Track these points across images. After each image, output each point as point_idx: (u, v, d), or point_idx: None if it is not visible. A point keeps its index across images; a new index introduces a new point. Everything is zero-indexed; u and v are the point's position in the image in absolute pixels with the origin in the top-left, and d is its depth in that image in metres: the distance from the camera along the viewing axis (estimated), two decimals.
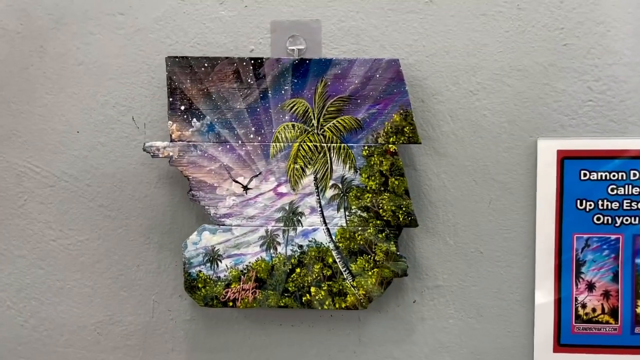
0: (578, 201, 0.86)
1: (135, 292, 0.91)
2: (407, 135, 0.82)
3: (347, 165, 0.82)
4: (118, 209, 0.90)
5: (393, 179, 0.82)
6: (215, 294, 0.84)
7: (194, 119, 0.82)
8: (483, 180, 0.88)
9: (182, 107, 0.81)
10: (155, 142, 0.82)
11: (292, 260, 0.84)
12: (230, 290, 0.84)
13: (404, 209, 0.83)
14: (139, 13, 0.88)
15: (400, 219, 0.83)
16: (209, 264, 0.84)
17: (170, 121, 0.82)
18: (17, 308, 0.92)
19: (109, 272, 0.91)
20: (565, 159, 0.86)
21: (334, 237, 0.84)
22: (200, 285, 0.84)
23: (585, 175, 0.86)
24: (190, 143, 0.82)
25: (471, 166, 0.87)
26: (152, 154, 0.82)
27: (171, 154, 0.82)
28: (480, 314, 0.90)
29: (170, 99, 0.81)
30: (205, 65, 0.81)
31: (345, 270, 0.84)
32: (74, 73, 0.89)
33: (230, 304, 0.84)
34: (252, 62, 0.81)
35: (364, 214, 0.83)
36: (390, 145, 0.82)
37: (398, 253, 0.84)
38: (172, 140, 0.82)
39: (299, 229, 0.84)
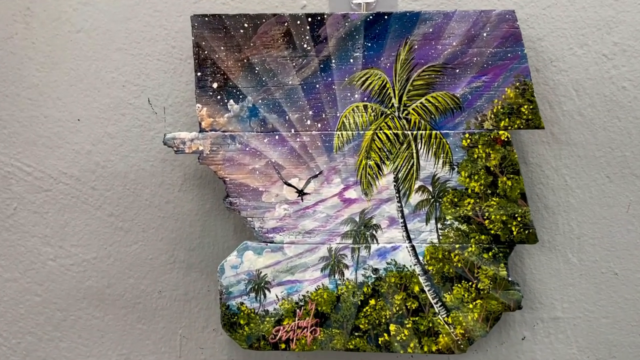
0: None
1: (157, 325, 0.71)
2: (525, 117, 0.59)
3: (441, 161, 0.60)
4: (132, 218, 0.70)
5: (504, 179, 0.60)
6: (263, 333, 0.63)
7: (231, 101, 0.60)
8: (620, 177, 0.64)
9: (215, 85, 0.60)
10: (180, 133, 0.60)
11: (365, 289, 0.62)
12: (282, 328, 0.63)
13: (519, 219, 0.60)
14: None
15: (514, 233, 0.60)
16: (253, 294, 0.62)
17: (199, 104, 0.60)
18: (9, 345, 0.72)
19: (123, 299, 0.71)
20: None
21: (421, 258, 0.61)
22: (242, 322, 0.63)
23: None
24: (226, 133, 0.60)
25: (604, 158, 0.64)
26: (175, 149, 0.60)
27: (201, 148, 0.60)
28: (613, 355, 0.67)
29: (199, 74, 0.59)
30: (245, 26, 0.58)
31: (437, 303, 0.62)
32: (71, 43, 0.68)
33: (283, 346, 0.63)
34: (309, 20, 0.58)
35: (464, 227, 0.61)
36: (501, 132, 0.59)
37: (510, 279, 0.61)
38: (201, 130, 0.60)
39: (374, 247, 0.62)
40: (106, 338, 0.72)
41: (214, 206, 0.68)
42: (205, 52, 0.59)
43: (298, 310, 0.63)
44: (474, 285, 0.61)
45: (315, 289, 0.62)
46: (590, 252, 0.66)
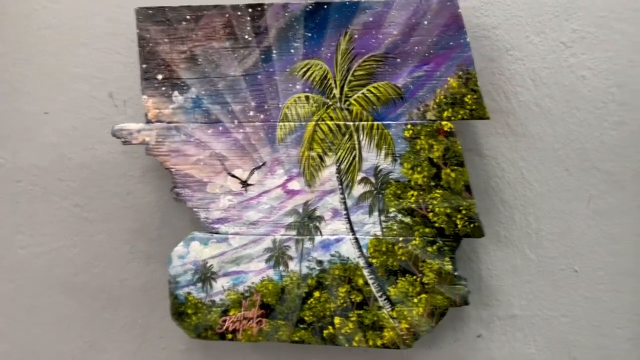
0: None
1: (119, 313, 0.73)
2: (468, 107, 0.57)
3: (383, 152, 0.59)
4: (96, 209, 0.72)
5: (448, 170, 0.58)
6: (210, 324, 0.63)
7: (176, 92, 0.61)
8: (580, 170, 0.62)
9: (160, 76, 0.61)
10: (127, 124, 0.62)
11: (309, 281, 0.62)
12: (228, 318, 0.63)
13: (463, 211, 0.59)
14: None
15: (459, 226, 0.59)
16: (200, 284, 0.63)
17: (146, 95, 0.61)
18: None
19: (89, 288, 0.73)
20: None
21: (365, 251, 0.61)
22: (190, 312, 0.64)
23: None
24: (171, 124, 0.61)
25: (563, 150, 0.62)
26: (123, 140, 0.62)
27: (147, 139, 0.61)
28: (574, 356, 0.65)
29: (144, 66, 0.61)
30: (187, 17, 0.59)
31: (381, 296, 0.61)
32: (41, 39, 0.70)
33: (230, 336, 0.63)
34: (250, 11, 0.59)
35: (407, 219, 0.60)
36: (444, 123, 0.58)
37: (456, 273, 0.60)
38: (148, 122, 0.61)
39: (318, 238, 0.61)
40: (73, 325, 0.74)
41: (171, 198, 0.69)
42: (150, 45, 0.60)
43: (244, 301, 0.63)
44: (418, 280, 0.60)
45: (260, 280, 0.63)
46: (548, 248, 0.63)
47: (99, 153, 0.71)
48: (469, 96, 0.57)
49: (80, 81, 0.70)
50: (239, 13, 0.58)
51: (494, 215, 0.64)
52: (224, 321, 0.63)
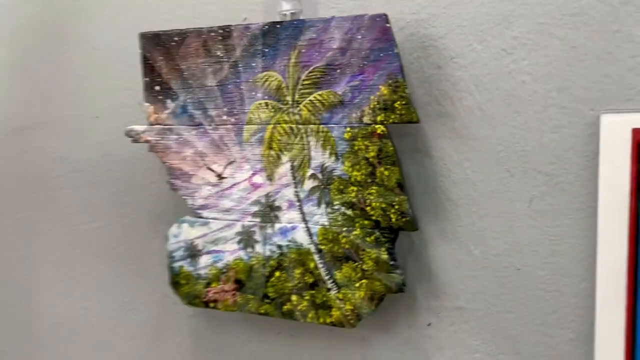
0: None
1: (146, 280, 0.88)
2: (398, 112, 0.63)
3: (327, 152, 0.67)
4: (130, 195, 0.88)
5: (382, 169, 0.65)
6: (197, 293, 0.76)
7: (169, 100, 0.74)
8: (521, 172, 0.64)
9: (157, 88, 0.74)
10: (135, 126, 0.77)
11: (271, 262, 0.72)
12: (211, 289, 0.75)
13: (396, 207, 0.65)
14: None
15: (393, 220, 0.65)
16: (189, 259, 0.76)
17: (147, 103, 0.75)
18: (58, 287, 0.96)
19: (123, 259, 0.90)
20: None
21: (315, 238, 0.69)
22: (182, 282, 0.77)
23: None
24: (166, 127, 0.75)
25: (504, 152, 0.65)
26: (132, 139, 0.77)
27: (149, 138, 0.76)
28: (517, 351, 0.67)
29: (146, 79, 0.75)
30: (175, 39, 0.72)
31: (329, 279, 0.69)
32: (92, 58, 0.88)
33: (212, 305, 0.76)
34: (221, 32, 0.70)
35: (349, 212, 0.67)
36: (377, 126, 0.64)
37: (392, 263, 0.66)
38: (150, 124, 0.76)
39: (277, 225, 0.71)
40: (114, 288, 0.91)
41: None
42: (150, 62, 0.74)
43: (222, 276, 0.75)
44: (359, 266, 0.67)
45: (234, 259, 0.74)
46: (492, 246, 0.66)
47: (132, 150, 0.87)
48: (398, 102, 0.63)
49: (118, 92, 0.87)
50: (212, 34, 0.70)
51: (441, 213, 0.68)
52: (208, 292, 0.76)
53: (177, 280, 0.77)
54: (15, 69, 0.95)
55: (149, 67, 0.74)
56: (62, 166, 0.92)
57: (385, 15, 0.62)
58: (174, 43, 0.72)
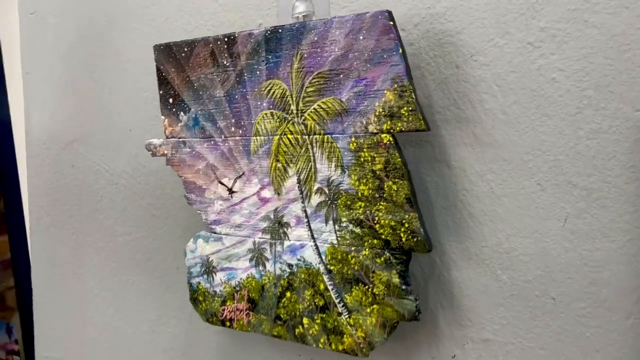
0: None
1: (176, 294, 0.87)
2: (405, 119, 0.56)
3: (333, 164, 0.62)
4: (161, 207, 0.87)
5: (390, 183, 0.58)
6: (214, 311, 0.73)
7: (181, 112, 0.72)
8: (554, 185, 0.55)
9: (171, 100, 0.73)
10: (153, 140, 0.75)
11: (282, 282, 0.67)
12: (226, 308, 0.72)
13: (406, 225, 0.58)
14: (165, 1, 0.82)
15: (403, 240, 0.58)
16: (205, 276, 0.74)
17: (163, 116, 0.74)
18: (102, 297, 0.98)
19: (157, 271, 0.89)
20: None
21: (324, 258, 0.64)
22: (200, 299, 0.75)
23: None
24: (180, 139, 0.73)
25: (533, 162, 0.56)
26: (151, 152, 0.76)
27: (166, 151, 0.74)
28: None
29: (161, 92, 0.73)
30: (185, 50, 0.70)
31: (339, 302, 0.63)
32: (125, 71, 0.89)
33: (228, 324, 0.73)
34: (226, 39, 0.67)
35: (357, 230, 0.61)
36: (383, 135, 0.58)
37: (404, 287, 0.59)
38: (166, 137, 0.74)
39: (286, 243, 0.67)
40: (148, 300, 0.91)
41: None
42: (163, 74, 0.73)
43: (236, 294, 0.71)
44: (370, 290, 0.61)
45: (247, 277, 0.70)
46: (522, 270, 0.58)
47: (161, 162, 0.86)
48: (405, 108, 0.56)
49: (149, 103, 0.87)
50: (218, 42, 0.67)
51: (463, 230, 0.60)
52: (223, 310, 0.73)
53: (196, 297, 0.75)
54: (62, 86, 0.98)
55: (162, 80, 0.73)
56: (101, 178, 0.94)
57: (388, 12, 0.56)
58: (183, 54, 0.70)
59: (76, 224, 0.98)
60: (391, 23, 0.56)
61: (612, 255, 0.53)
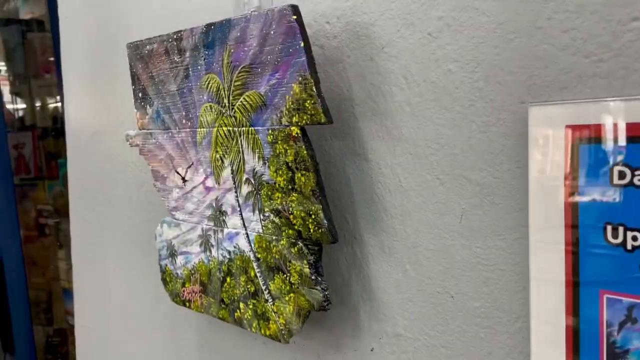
0: (610, 227, 0.43)
1: None
2: (309, 112, 0.57)
3: (256, 155, 0.64)
4: (156, 193, 0.94)
5: (299, 174, 0.59)
6: (178, 291, 0.79)
7: (148, 106, 0.78)
8: (451, 179, 0.54)
9: (140, 94, 0.79)
10: (129, 131, 0.82)
11: (224, 267, 0.71)
12: (186, 289, 0.77)
13: (313, 216, 0.59)
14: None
15: (312, 231, 0.59)
16: (170, 259, 0.79)
17: (135, 109, 0.80)
18: (117, 276, 1.07)
19: (154, 254, 0.96)
20: (582, 141, 0.44)
21: (252, 246, 0.66)
22: (168, 280, 0.80)
23: (623, 175, 0.43)
24: (148, 131, 0.79)
25: (434, 156, 0.55)
26: (129, 143, 0.82)
27: (138, 142, 0.80)
28: None
29: (133, 87, 0.79)
30: (147, 47, 0.75)
31: (265, 290, 0.66)
32: None
33: (187, 304, 0.78)
34: (175, 36, 0.71)
35: (277, 220, 0.63)
36: (293, 128, 0.59)
37: (313, 277, 0.60)
38: (138, 129, 0.80)
39: (225, 230, 0.70)
40: (149, 280, 0.99)
41: None
42: (134, 70, 0.78)
43: (192, 277, 0.76)
44: (288, 278, 0.63)
45: (198, 262, 0.74)
46: (425, 266, 0.56)
47: None
48: (308, 101, 0.57)
49: None
50: (170, 40, 0.71)
51: (378, 224, 0.60)
52: (184, 291, 0.78)
53: (165, 278, 0.81)
54: (90, 81, 1.09)
55: (133, 76, 0.79)
56: (116, 167, 1.03)
57: (292, 7, 0.57)
58: (146, 51, 0.75)
59: (100, 208, 1.08)
60: (294, 17, 0.57)
61: (501, 254, 0.50)
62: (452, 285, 0.54)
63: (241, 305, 0.69)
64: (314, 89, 0.56)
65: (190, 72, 0.70)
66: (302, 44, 0.56)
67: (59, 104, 2.50)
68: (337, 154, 0.63)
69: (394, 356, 0.60)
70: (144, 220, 0.97)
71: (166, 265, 0.80)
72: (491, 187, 0.50)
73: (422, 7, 0.53)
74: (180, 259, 0.77)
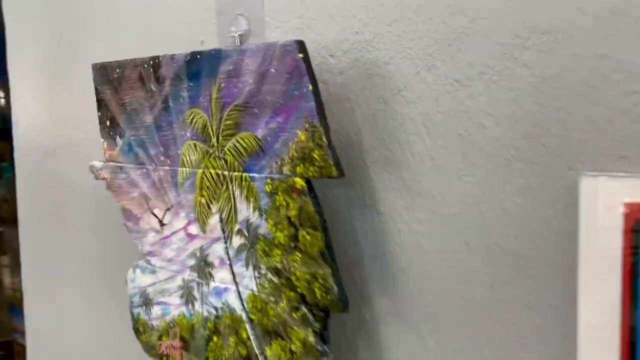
0: None
1: None
2: (317, 163, 0.50)
3: (251, 205, 0.56)
4: (118, 220, 0.85)
5: (304, 232, 0.52)
6: (153, 344, 0.70)
7: (117, 137, 0.68)
8: (481, 246, 0.48)
9: (108, 123, 0.69)
10: (95, 162, 0.72)
11: (209, 325, 0.63)
12: (163, 343, 0.69)
13: (320, 280, 0.52)
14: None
15: (318, 296, 0.52)
16: (144, 307, 0.71)
17: (102, 138, 0.70)
18: (78, 305, 0.97)
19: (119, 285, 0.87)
20: None
21: (245, 305, 0.59)
22: (141, 330, 0.72)
23: None
24: (117, 164, 0.69)
25: (460, 216, 0.48)
26: (94, 175, 0.73)
27: (105, 175, 0.71)
28: None
29: (99, 113, 0.70)
30: (117, 71, 0.66)
31: (260, 355, 0.58)
32: None
33: (165, 359, 0.69)
34: (151, 62, 0.62)
35: (275, 279, 0.56)
36: (296, 179, 0.52)
37: (319, 348, 0.53)
38: (105, 161, 0.71)
39: (212, 284, 0.62)
40: (113, 311, 0.89)
41: None
42: (100, 95, 0.69)
43: (170, 330, 0.68)
44: (288, 346, 0.56)
45: (178, 314, 0.66)
46: (448, 338, 0.51)
47: None
48: (316, 151, 0.50)
49: None
50: (145, 65, 0.62)
51: (391, 285, 0.54)
52: (160, 345, 0.69)
53: (138, 327, 0.72)
54: (42, 95, 0.97)
55: (100, 101, 0.69)
56: (75, 190, 0.92)
57: (297, 43, 0.49)
58: (116, 75, 0.66)
59: (56, 232, 0.97)
60: (300, 55, 0.49)
61: (539, 333, 0.45)
62: None
63: None
64: (324, 139, 0.49)
65: (171, 104, 0.61)
66: (309, 87, 0.49)
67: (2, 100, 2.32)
68: (342, 204, 0.56)
69: None
70: (109, 255, 0.87)
71: (139, 313, 0.71)
72: (529, 258, 0.44)
73: (448, 49, 0.47)
74: (156, 309, 0.69)
